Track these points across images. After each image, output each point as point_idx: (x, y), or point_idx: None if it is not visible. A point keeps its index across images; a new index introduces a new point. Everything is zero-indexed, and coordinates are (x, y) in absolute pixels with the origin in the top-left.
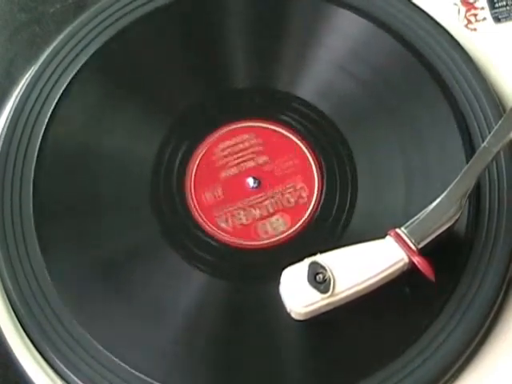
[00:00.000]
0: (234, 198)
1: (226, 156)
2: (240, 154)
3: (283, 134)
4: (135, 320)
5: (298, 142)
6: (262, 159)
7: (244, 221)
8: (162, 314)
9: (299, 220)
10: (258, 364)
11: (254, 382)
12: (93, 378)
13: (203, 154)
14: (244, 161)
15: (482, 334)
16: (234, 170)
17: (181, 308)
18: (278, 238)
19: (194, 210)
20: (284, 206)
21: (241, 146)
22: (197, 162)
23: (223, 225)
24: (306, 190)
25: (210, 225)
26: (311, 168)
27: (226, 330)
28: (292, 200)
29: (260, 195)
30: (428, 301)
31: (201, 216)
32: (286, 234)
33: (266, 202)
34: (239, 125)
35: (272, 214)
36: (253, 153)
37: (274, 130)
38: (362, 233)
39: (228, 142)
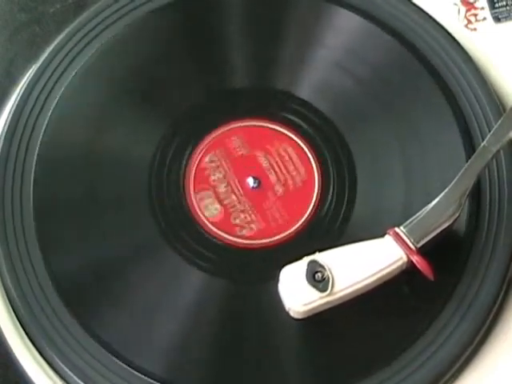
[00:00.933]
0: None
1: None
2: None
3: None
4: (135, 320)
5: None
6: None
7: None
8: (162, 313)
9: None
10: (258, 364)
11: (254, 381)
12: (93, 378)
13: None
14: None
15: (482, 334)
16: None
17: (181, 308)
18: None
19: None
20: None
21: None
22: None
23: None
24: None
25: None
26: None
27: (226, 329)
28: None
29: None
30: (428, 301)
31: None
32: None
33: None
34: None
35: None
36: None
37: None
38: (361, 232)
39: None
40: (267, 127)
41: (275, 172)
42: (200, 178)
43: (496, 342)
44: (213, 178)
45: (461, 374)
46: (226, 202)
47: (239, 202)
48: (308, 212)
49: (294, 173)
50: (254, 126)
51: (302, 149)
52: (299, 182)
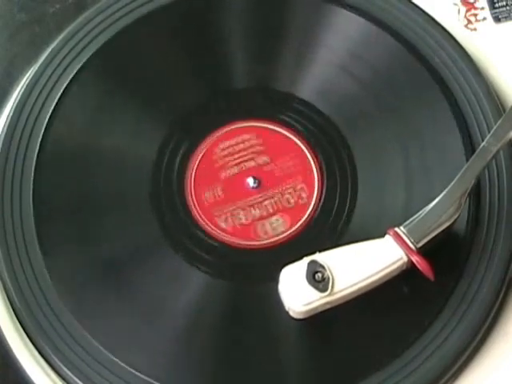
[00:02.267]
0: (234, 197)
1: (226, 156)
2: (240, 154)
3: (283, 134)
4: (135, 320)
5: (298, 142)
6: (262, 159)
7: (244, 221)
8: (162, 313)
9: (299, 220)
10: (258, 364)
11: (254, 381)
12: (93, 378)
13: (203, 154)
14: (244, 161)
15: (482, 334)
16: (234, 170)
17: (181, 308)
18: (277, 238)
19: (194, 209)
20: (284, 206)
21: (241, 145)
22: (197, 162)
23: (223, 225)
24: (305, 191)
25: (210, 225)
26: (311, 168)
27: (226, 329)
28: (292, 200)
29: (260, 195)
30: (428, 301)
31: (201, 216)
32: (286, 234)
33: (266, 202)
34: (239, 125)
35: (272, 215)
36: (253, 153)
37: (274, 130)
38: (362, 232)
39: (228, 142)
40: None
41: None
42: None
43: (496, 341)
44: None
45: (461, 373)
46: None
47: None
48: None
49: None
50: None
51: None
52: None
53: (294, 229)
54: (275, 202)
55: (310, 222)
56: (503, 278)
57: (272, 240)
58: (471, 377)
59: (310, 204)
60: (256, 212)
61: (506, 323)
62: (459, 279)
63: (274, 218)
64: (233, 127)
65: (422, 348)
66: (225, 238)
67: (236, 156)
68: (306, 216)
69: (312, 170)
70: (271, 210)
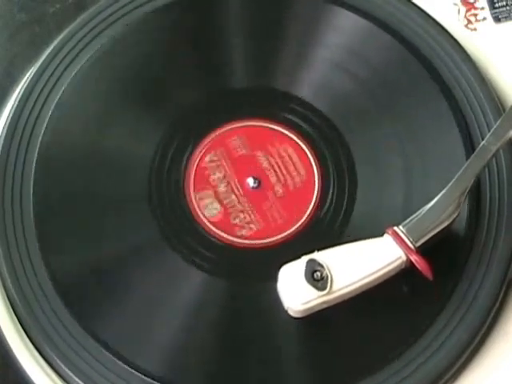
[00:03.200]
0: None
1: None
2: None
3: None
4: (135, 320)
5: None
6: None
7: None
8: (162, 313)
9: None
10: (258, 364)
11: (254, 381)
12: (93, 378)
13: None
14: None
15: (482, 334)
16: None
17: (180, 308)
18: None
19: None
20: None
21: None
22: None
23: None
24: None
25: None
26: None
27: (226, 329)
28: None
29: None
30: (428, 301)
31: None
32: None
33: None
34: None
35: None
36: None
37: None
38: (361, 232)
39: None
40: (267, 127)
41: (275, 172)
42: (200, 178)
43: (496, 341)
44: (213, 177)
45: (461, 373)
46: (225, 202)
47: (239, 202)
48: (308, 212)
49: (294, 173)
50: (254, 126)
51: (302, 149)
52: (299, 183)
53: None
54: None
55: (310, 222)
56: (503, 278)
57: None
58: (471, 377)
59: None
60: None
61: (506, 323)
62: (459, 279)
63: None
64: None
65: (422, 348)
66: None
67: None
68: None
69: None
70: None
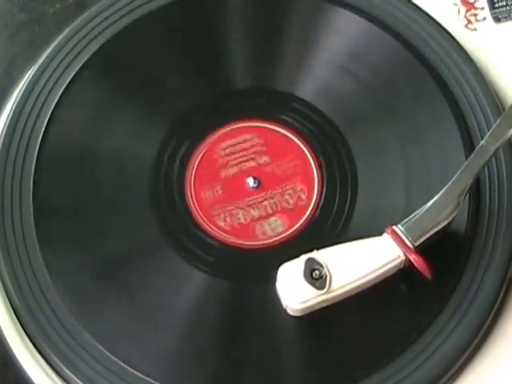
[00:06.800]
0: (234, 197)
1: (226, 155)
2: (240, 154)
3: (283, 134)
4: (135, 320)
5: (299, 143)
6: (262, 159)
7: (242, 221)
8: (162, 313)
9: (299, 220)
10: (258, 364)
11: (254, 381)
12: (93, 378)
13: (203, 154)
14: (244, 160)
15: (482, 334)
16: (234, 170)
17: (180, 308)
18: (277, 238)
19: (194, 209)
20: (283, 207)
21: (242, 145)
22: (197, 162)
23: (222, 224)
24: (305, 192)
25: (210, 225)
26: (311, 168)
27: (226, 329)
28: (291, 201)
29: (260, 195)
30: (428, 300)
31: (201, 216)
32: (286, 234)
33: (265, 203)
34: (240, 125)
35: (271, 215)
36: (253, 153)
37: (275, 130)
38: (361, 233)
39: (228, 142)
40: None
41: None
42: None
43: (496, 342)
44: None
45: (461, 373)
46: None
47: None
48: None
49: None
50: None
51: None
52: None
53: (293, 229)
54: (275, 203)
55: (310, 222)
56: (503, 278)
57: (272, 240)
58: (471, 377)
59: (309, 204)
60: (255, 212)
61: (505, 323)
62: (459, 279)
63: (272, 219)
64: (233, 127)
65: (422, 348)
66: (224, 237)
67: (236, 156)
68: (305, 216)
69: (312, 170)
70: (270, 211)
